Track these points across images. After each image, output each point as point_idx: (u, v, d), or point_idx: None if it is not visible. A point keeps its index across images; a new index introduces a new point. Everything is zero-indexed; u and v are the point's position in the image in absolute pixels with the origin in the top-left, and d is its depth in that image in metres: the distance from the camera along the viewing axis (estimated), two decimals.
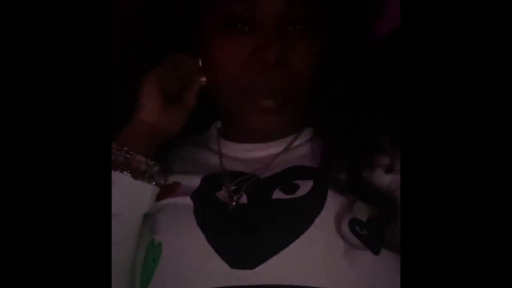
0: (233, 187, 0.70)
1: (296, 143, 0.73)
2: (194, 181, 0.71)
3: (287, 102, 0.68)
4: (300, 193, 0.66)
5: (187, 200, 0.69)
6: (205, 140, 0.79)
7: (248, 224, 0.65)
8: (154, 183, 0.69)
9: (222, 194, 0.69)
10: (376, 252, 0.61)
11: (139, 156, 0.68)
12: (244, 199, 0.68)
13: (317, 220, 0.63)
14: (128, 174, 0.67)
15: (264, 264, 0.61)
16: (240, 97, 0.69)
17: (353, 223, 0.62)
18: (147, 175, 0.68)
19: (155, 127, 0.70)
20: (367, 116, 0.69)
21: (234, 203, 0.68)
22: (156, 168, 0.69)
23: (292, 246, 0.62)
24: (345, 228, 0.62)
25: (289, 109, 0.69)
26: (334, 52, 0.70)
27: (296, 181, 0.68)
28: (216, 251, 0.63)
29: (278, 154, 0.72)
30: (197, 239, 0.65)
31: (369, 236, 0.62)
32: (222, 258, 0.63)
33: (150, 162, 0.69)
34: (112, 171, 0.66)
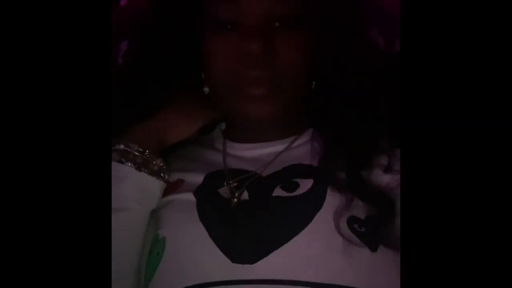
0: (235, 184, 0.71)
1: (296, 143, 0.74)
2: (197, 178, 0.72)
3: (276, 91, 0.69)
4: (300, 191, 0.67)
5: (190, 196, 0.70)
6: (209, 140, 0.80)
7: (249, 220, 0.66)
8: (161, 178, 0.70)
9: (224, 190, 0.70)
10: (373, 249, 0.63)
11: (150, 153, 0.70)
12: (245, 195, 0.69)
13: (316, 217, 0.64)
14: (145, 171, 0.69)
15: (264, 259, 0.62)
16: (232, 90, 0.70)
17: (351, 220, 0.64)
18: (155, 170, 0.70)
19: (162, 129, 0.73)
20: (366, 117, 0.70)
21: (235, 199, 0.69)
22: (161, 164, 0.71)
23: (291, 242, 0.63)
24: (344, 226, 0.63)
25: (279, 98, 0.70)
26: (332, 52, 0.71)
27: (297, 179, 0.69)
28: (218, 245, 0.64)
29: (279, 153, 0.73)
30: (200, 234, 0.66)
31: (367, 234, 0.63)
32: (224, 252, 0.64)
33: (157, 159, 0.70)
34: (122, 164, 0.68)
